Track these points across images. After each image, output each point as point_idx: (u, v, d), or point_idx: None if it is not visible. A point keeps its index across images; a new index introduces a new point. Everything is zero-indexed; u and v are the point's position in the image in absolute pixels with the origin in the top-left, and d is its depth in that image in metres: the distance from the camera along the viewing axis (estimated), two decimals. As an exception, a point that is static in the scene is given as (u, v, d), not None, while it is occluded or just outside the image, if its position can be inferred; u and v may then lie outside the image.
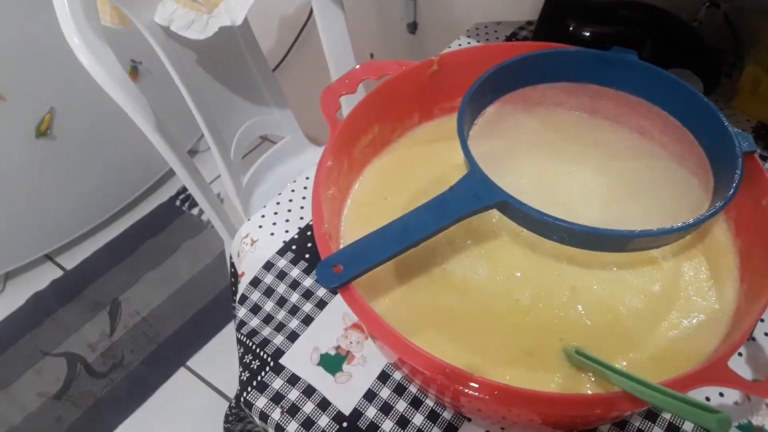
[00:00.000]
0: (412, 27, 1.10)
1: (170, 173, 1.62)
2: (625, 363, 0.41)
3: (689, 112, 0.48)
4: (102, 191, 1.46)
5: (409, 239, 0.39)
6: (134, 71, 1.42)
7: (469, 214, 0.39)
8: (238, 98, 0.93)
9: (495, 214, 0.46)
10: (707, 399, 0.49)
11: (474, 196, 0.39)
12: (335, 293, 0.49)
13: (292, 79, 1.46)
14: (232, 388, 1.25)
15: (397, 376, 0.52)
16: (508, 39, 0.80)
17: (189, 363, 1.30)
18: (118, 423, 1.21)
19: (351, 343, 0.54)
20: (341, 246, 0.48)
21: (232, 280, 0.66)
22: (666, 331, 0.43)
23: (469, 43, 0.80)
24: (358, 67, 0.52)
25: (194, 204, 1.57)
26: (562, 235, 0.39)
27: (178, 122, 1.17)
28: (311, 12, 1.28)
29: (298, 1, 1.25)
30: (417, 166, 0.53)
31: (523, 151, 0.52)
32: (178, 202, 1.58)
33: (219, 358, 1.30)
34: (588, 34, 0.69)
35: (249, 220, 0.63)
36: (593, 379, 0.40)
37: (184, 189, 1.60)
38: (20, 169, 1.27)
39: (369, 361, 0.53)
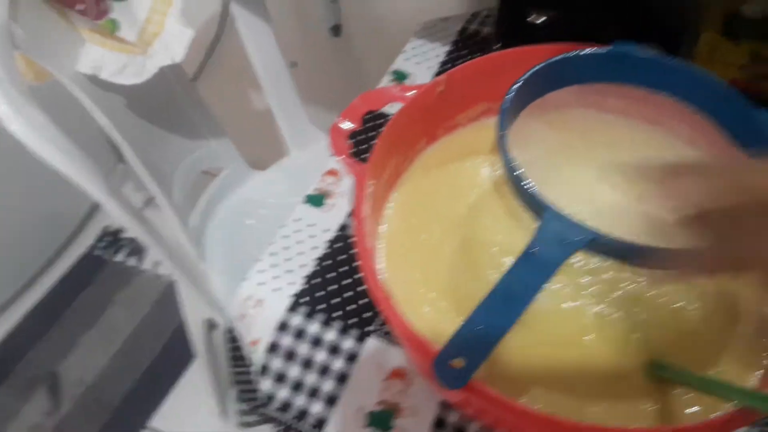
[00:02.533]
0: (336, 30, 1.05)
1: (84, 222, 1.47)
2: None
3: (703, 97, 0.48)
4: (13, 256, 1.30)
5: (520, 306, 0.35)
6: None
7: (563, 262, 0.36)
8: (173, 136, 0.85)
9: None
10: None
11: (560, 242, 0.36)
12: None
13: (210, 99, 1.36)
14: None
15: (453, 418, 0.49)
16: (462, 33, 0.77)
17: (152, 423, 1.19)
18: (87, 507, 1.10)
19: (394, 393, 0.50)
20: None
21: (231, 345, 0.60)
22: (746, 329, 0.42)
23: (422, 44, 0.76)
24: (357, 99, 0.47)
25: (119, 249, 1.44)
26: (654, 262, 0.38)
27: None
28: (221, 24, 1.19)
29: (205, 15, 1.16)
30: (438, 194, 0.50)
31: (545, 162, 0.49)
32: (98, 251, 1.44)
33: (183, 410, 1.21)
34: (546, 19, 0.68)
35: (246, 279, 0.57)
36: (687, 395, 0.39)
37: (103, 235, 1.46)
38: None
39: (420, 410, 0.49)
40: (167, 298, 1.34)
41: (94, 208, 1.48)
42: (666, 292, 0.43)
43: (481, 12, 0.80)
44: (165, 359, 1.27)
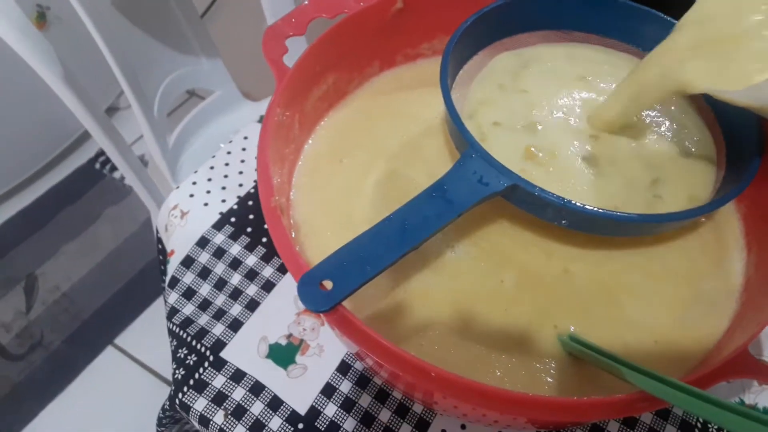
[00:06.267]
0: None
1: (88, 133, 1.47)
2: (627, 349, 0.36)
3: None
4: (10, 155, 1.30)
5: (411, 241, 0.31)
6: (41, 18, 1.25)
7: (476, 203, 0.32)
8: (161, 46, 0.82)
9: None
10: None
11: (478, 181, 0.32)
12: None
13: (222, 28, 1.33)
14: (165, 367, 1.15)
15: (360, 365, 0.45)
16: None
17: (117, 341, 1.19)
18: (39, 409, 1.10)
19: (305, 330, 0.47)
20: (292, 220, 0.40)
21: (161, 258, 0.57)
22: (669, 312, 0.38)
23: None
24: (307, 2, 0.43)
25: (117, 166, 1.43)
26: (578, 221, 0.34)
27: (96, 74, 1.03)
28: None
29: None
30: (378, 121, 0.46)
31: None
32: (98, 165, 1.44)
33: (150, 335, 1.20)
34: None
35: (178, 187, 0.54)
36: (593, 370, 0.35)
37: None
38: None
39: (326, 350, 0.46)
40: (154, 221, 1.33)
41: (101, 122, 1.48)
42: (598, 261, 0.39)
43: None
44: (141, 282, 1.26)
